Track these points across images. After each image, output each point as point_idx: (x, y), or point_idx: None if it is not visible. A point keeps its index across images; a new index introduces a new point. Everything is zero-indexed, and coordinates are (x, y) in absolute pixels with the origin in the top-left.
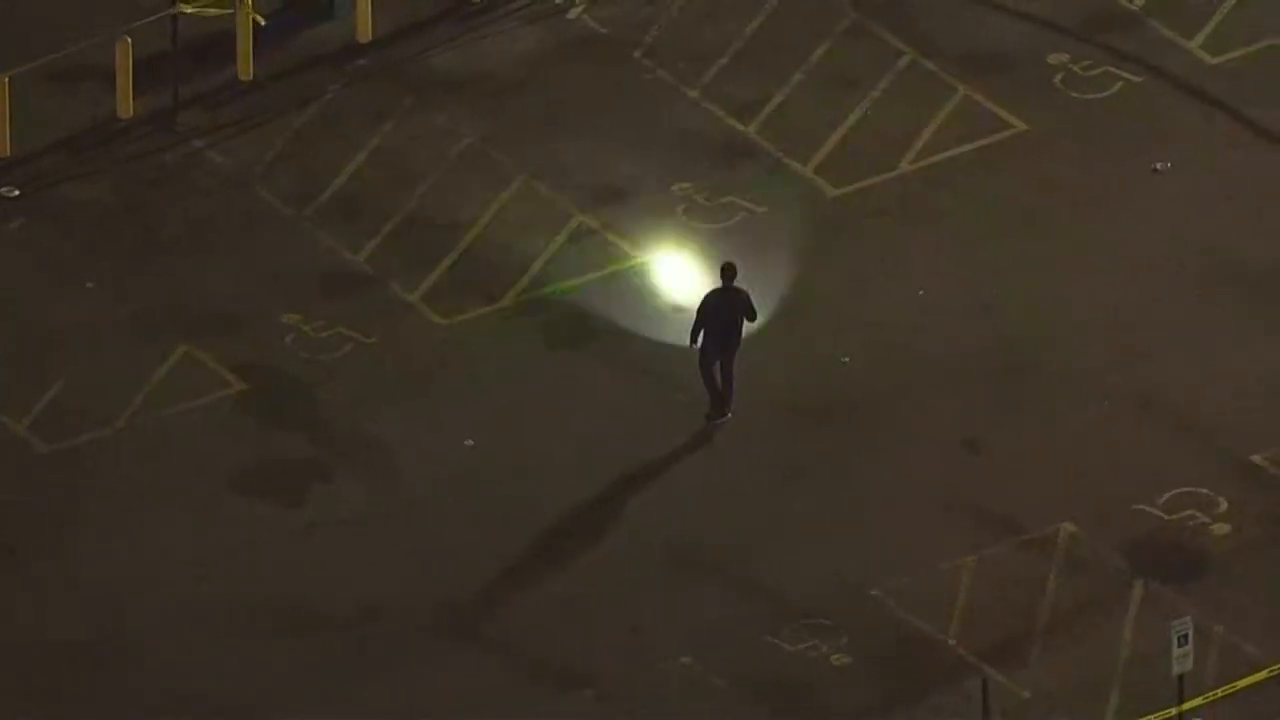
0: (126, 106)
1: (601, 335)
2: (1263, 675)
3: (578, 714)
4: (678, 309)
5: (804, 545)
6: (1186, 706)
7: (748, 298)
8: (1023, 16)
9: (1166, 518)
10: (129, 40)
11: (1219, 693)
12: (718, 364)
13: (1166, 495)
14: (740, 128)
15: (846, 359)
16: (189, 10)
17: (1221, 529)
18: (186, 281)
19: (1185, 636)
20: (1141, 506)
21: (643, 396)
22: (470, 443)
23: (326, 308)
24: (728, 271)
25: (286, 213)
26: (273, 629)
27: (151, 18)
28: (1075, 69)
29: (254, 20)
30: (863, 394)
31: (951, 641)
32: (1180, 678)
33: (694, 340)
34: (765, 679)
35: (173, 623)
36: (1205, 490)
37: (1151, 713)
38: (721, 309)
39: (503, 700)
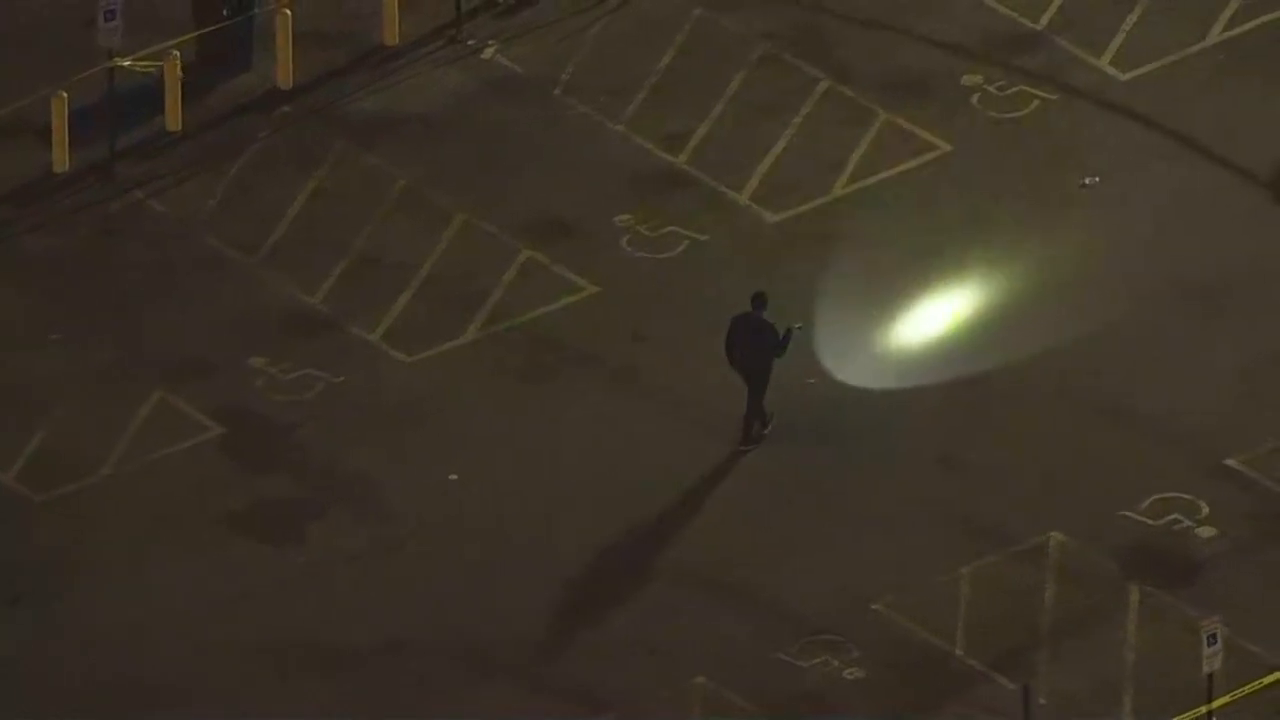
0: (63, 160)
1: (565, 367)
2: None
3: None
4: (636, 338)
5: (801, 563)
6: (1216, 704)
7: (772, 329)
8: (930, 41)
9: (1152, 523)
10: (64, 95)
11: (1246, 689)
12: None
13: (1148, 501)
14: (671, 159)
15: (812, 380)
16: (125, 64)
17: (1207, 532)
18: (150, 329)
19: (1214, 636)
20: (1126, 513)
21: (618, 424)
22: (454, 477)
23: (291, 350)
24: (757, 300)
25: (237, 258)
26: (297, 667)
27: (88, 72)
28: (990, 89)
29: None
30: (832, 414)
31: (959, 652)
32: (1210, 677)
33: (731, 362)
34: (783, 695)
35: (194, 665)
36: (1186, 495)
37: (1169, 713)
38: (743, 334)
39: None
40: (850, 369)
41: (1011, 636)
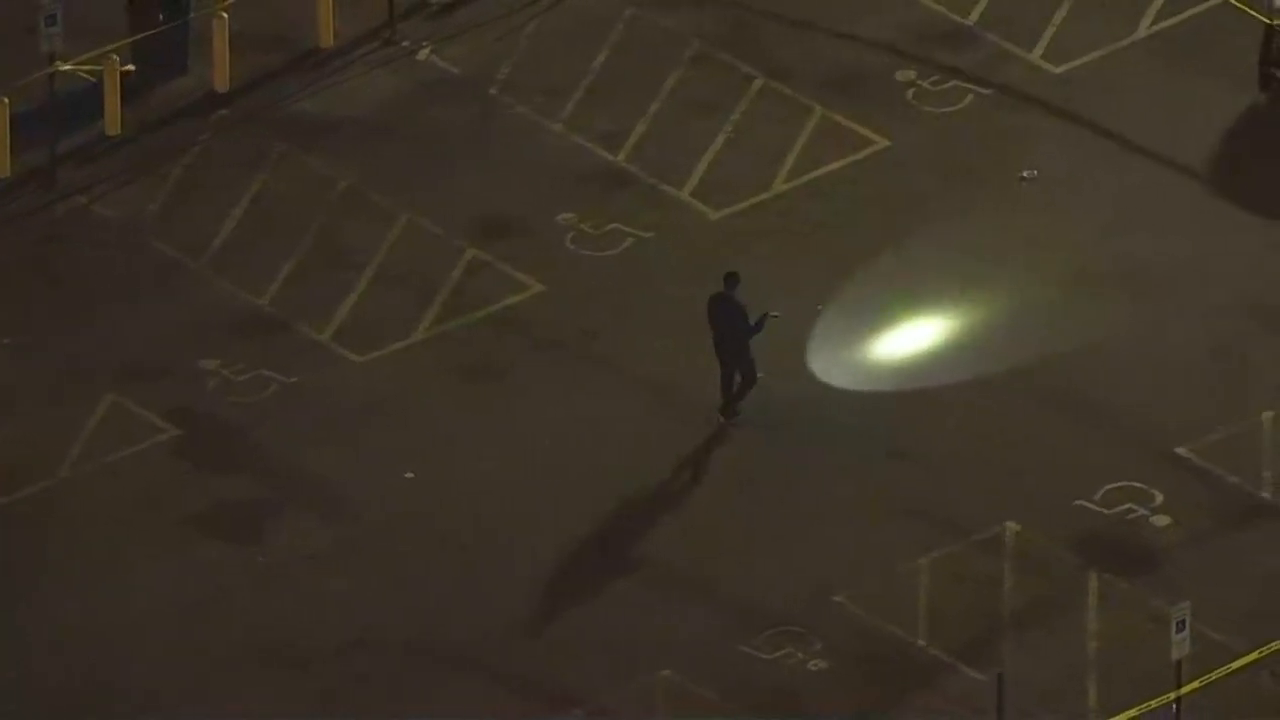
0: (4, 165)
1: (515, 365)
2: (1253, 656)
3: None
4: (586, 334)
5: (763, 557)
6: (1186, 690)
7: (740, 309)
8: (864, 38)
9: (1106, 512)
10: (6, 101)
11: (1214, 676)
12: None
13: (1102, 491)
14: (610, 157)
15: (762, 374)
16: (67, 68)
17: (1162, 520)
18: (100, 333)
19: (1183, 622)
20: (1080, 502)
21: (574, 421)
22: (410, 475)
23: (242, 352)
24: (728, 279)
25: (184, 261)
26: (265, 666)
27: (29, 78)
28: (925, 85)
29: (123, 72)
30: (781, 409)
31: (922, 642)
32: (1179, 663)
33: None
34: (748, 688)
35: (165, 665)
36: (1139, 484)
37: (1134, 698)
38: (713, 311)
39: None
40: (805, 363)
41: (974, 626)
